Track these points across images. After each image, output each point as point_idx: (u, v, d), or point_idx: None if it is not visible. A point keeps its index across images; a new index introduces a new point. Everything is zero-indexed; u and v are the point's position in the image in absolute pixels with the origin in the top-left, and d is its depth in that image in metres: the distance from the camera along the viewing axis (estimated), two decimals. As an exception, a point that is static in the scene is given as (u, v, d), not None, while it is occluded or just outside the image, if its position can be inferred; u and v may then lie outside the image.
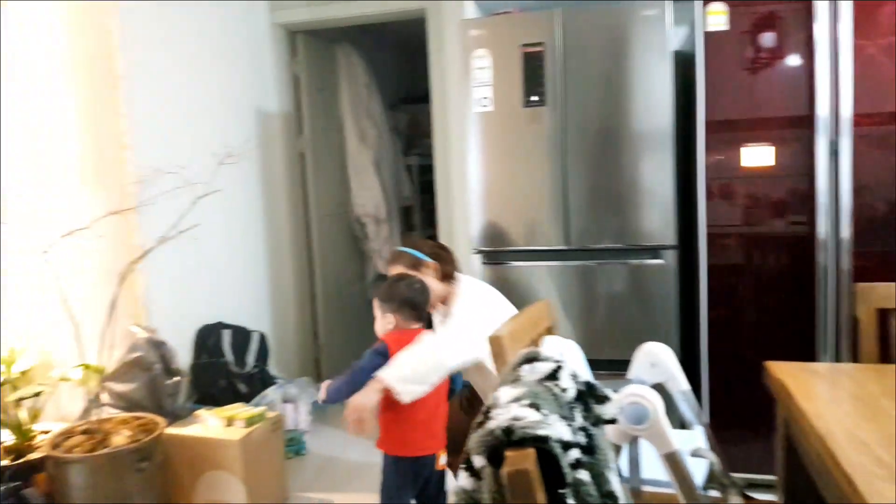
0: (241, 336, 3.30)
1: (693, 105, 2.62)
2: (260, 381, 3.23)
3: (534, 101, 2.73)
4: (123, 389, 2.65)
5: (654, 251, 2.70)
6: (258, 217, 3.72)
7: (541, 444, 0.88)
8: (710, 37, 2.51)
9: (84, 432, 2.42)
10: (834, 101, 2.41)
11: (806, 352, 2.52)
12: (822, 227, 2.46)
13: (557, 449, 0.88)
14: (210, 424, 2.65)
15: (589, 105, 2.70)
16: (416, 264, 2.27)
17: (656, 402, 1.46)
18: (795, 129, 2.48)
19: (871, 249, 2.46)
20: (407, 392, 1.98)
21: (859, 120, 2.40)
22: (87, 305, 2.63)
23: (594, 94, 2.70)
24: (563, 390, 1.10)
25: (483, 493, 0.96)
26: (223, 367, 3.10)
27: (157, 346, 2.72)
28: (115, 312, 2.48)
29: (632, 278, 2.74)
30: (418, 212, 5.12)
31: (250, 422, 2.61)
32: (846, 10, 2.36)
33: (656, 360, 1.77)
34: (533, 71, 2.72)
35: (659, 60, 2.62)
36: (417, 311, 2.14)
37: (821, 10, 2.39)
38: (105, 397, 2.67)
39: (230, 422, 2.62)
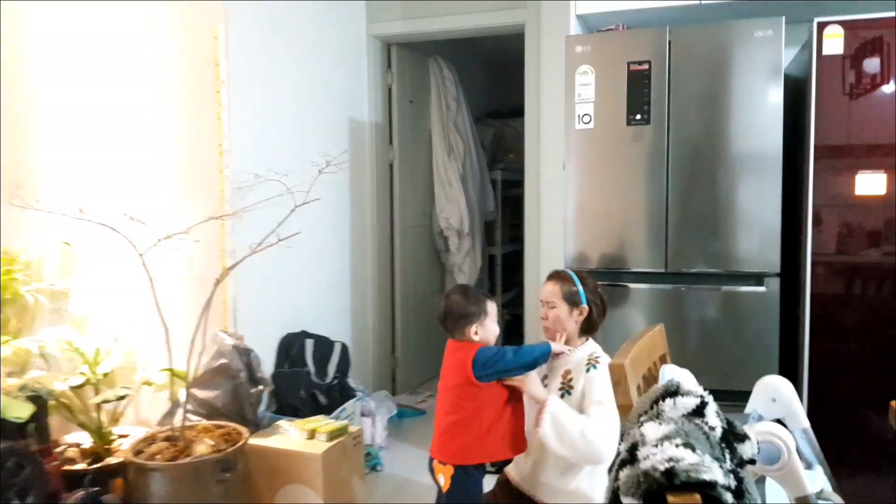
0: (324, 346, 3.27)
1: (800, 129, 2.49)
2: (339, 393, 3.19)
3: (637, 120, 2.62)
4: (207, 396, 2.65)
5: (757, 278, 2.55)
6: (345, 226, 3.71)
7: (707, 490, 0.77)
8: (823, 59, 2.37)
9: (166, 439, 2.42)
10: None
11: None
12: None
13: (726, 496, 0.77)
14: (291, 436, 2.61)
15: (694, 126, 2.58)
16: (574, 301, 2.18)
17: (790, 442, 1.32)
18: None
19: None
20: (545, 430, 1.92)
21: None
22: (175, 310, 2.64)
23: (700, 115, 2.57)
24: (712, 429, 0.98)
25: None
26: (305, 377, 3.07)
27: (244, 353, 2.71)
28: (202, 320, 2.47)
29: (731, 305, 2.60)
30: (500, 227, 5.03)
31: (332, 435, 2.56)
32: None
33: (778, 394, 1.61)
34: (638, 89, 2.61)
35: (770, 82, 2.47)
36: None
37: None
38: (187, 403, 2.66)
39: (312, 434, 2.58)
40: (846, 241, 2.41)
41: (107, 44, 2.90)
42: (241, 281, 2.87)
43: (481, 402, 2.00)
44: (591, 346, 2.16)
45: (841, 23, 2.33)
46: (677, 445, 0.87)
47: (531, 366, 2.01)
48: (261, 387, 2.72)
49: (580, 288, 2.16)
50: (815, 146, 2.40)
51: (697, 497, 0.75)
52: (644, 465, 0.84)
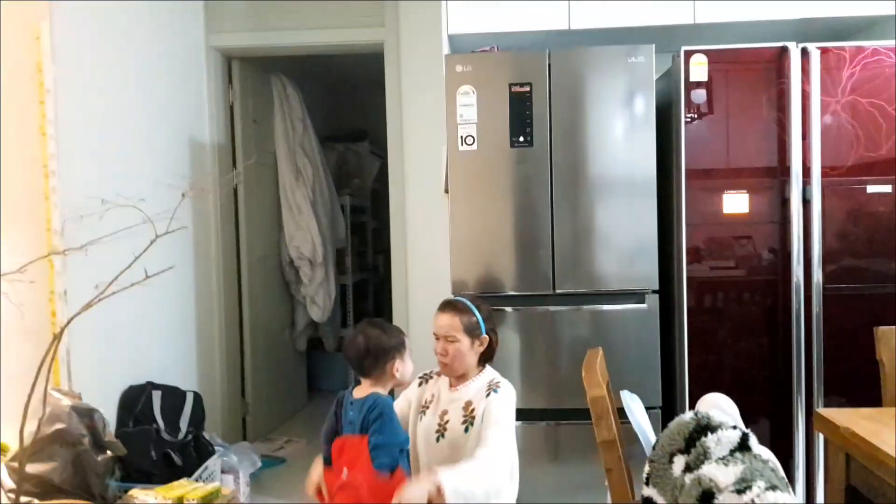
0: (174, 398, 2.86)
1: (666, 152, 2.62)
2: (195, 450, 2.80)
3: (521, 142, 2.60)
4: (40, 470, 2.15)
5: (638, 296, 2.63)
6: (188, 260, 3.29)
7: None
8: (690, 85, 2.52)
9: (-8, 528, 1.93)
10: (804, 153, 2.48)
11: (783, 393, 2.54)
12: (795, 271, 2.50)
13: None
14: (151, 508, 2.20)
15: (575, 148, 2.61)
16: (473, 331, 2.01)
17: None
18: (769, 178, 2.54)
19: (840, 294, 2.54)
20: None
21: (826, 171, 2.50)
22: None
23: (579, 138, 2.61)
24: (765, 461, 0.90)
25: None
26: (154, 436, 2.65)
27: (86, 414, 2.25)
28: (37, 381, 2.00)
29: (615, 323, 2.65)
30: (350, 254, 4.81)
31: (204, 502, 2.20)
32: (815, 68, 2.46)
33: (724, 410, 1.62)
34: (520, 111, 2.59)
35: (645, 106, 2.58)
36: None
37: (793, 67, 2.47)
38: (8, 482, 2.15)
39: (179, 503, 2.19)
40: (716, 257, 2.57)
41: None
42: (76, 329, 2.39)
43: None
44: (489, 374, 2.06)
45: (706, 52, 2.49)
46: (766, 489, 0.77)
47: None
48: (109, 453, 2.28)
49: (479, 317, 2.05)
50: (686, 168, 2.53)
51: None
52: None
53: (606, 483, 1.39)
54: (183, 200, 2.13)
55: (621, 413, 1.61)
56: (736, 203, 2.53)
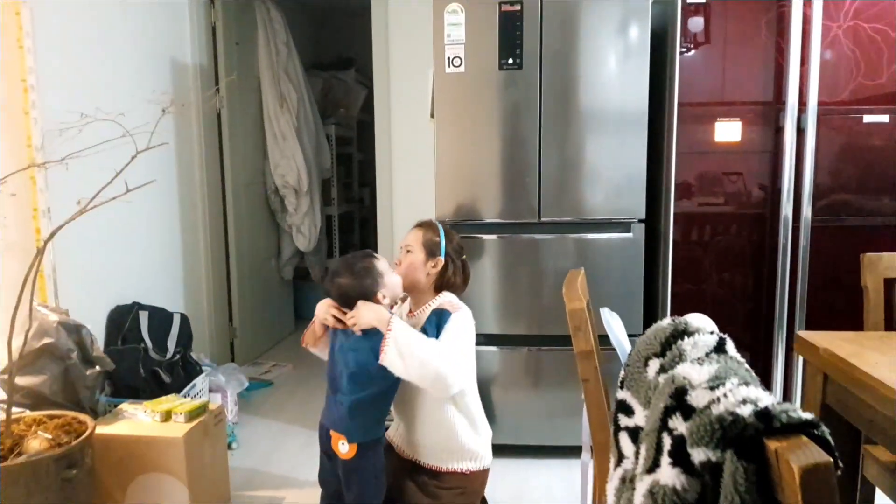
0: (161, 318, 2.88)
1: (659, 79, 2.59)
2: (183, 369, 2.84)
3: (509, 65, 2.56)
4: (30, 382, 2.20)
5: (624, 225, 2.64)
6: (172, 183, 3.26)
7: (811, 430, 0.71)
8: (687, 12, 2.48)
9: (-16, 436, 1.97)
10: (802, 80, 2.44)
11: (765, 325, 2.59)
12: (785, 203, 2.50)
13: (827, 433, 0.72)
14: (140, 420, 2.26)
15: (564, 73, 2.57)
16: (433, 251, 2.04)
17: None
18: (764, 106, 2.51)
19: (829, 226, 2.55)
20: (391, 357, 1.78)
21: (823, 100, 2.47)
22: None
23: (570, 63, 2.56)
24: (741, 363, 0.94)
25: (695, 493, 0.78)
26: (142, 354, 2.68)
27: (73, 330, 2.28)
28: (22, 295, 2.01)
29: (600, 252, 2.66)
30: (336, 185, 4.79)
31: (191, 415, 2.25)
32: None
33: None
34: (510, 32, 2.54)
35: (638, 34, 2.53)
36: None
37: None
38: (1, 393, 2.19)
39: (167, 416, 2.25)
40: (705, 187, 2.57)
41: None
42: (61, 246, 2.40)
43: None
44: (445, 296, 2.09)
45: (703, -27, 2.44)
46: (739, 385, 0.81)
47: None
48: (98, 368, 2.31)
49: (442, 240, 2.08)
50: (679, 98, 2.50)
51: (805, 439, 0.69)
52: (717, 409, 0.77)
53: (583, 397, 1.44)
54: (163, 116, 2.10)
55: (603, 340, 1.64)
56: (728, 131, 2.50)
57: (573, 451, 2.61)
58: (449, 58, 2.57)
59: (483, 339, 2.67)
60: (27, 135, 2.32)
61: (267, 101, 4.00)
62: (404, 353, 1.79)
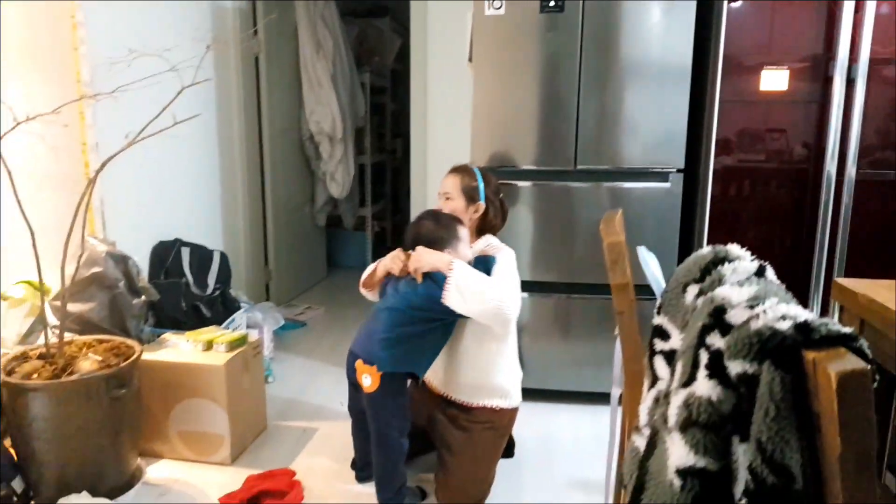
0: (202, 255, 2.97)
1: (705, 25, 2.54)
2: (222, 305, 2.93)
3: (551, 7, 2.53)
4: (80, 309, 2.30)
5: (662, 175, 2.62)
6: (211, 126, 3.32)
7: (850, 343, 0.74)
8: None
9: (40, 357, 2.07)
10: (854, 28, 2.36)
11: (802, 281, 2.57)
12: (829, 158, 2.45)
13: (866, 347, 0.74)
14: (183, 349, 2.35)
15: (607, 18, 2.53)
16: (472, 196, 2.08)
17: None
18: (813, 56, 2.43)
19: (873, 181, 2.49)
20: (453, 295, 1.86)
21: (876, 49, 2.38)
22: (32, 213, 2.22)
23: (613, 8, 2.52)
24: (781, 286, 0.96)
25: (730, 404, 0.82)
26: (184, 289, 2.77)
27: (120, 260, 2.37)
28: (74, 223, 2.09)
29: (637, 201, 2.64)
30: (369, 134, 4.81)
31: (232, 346, 2.35)
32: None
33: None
34: (553, -26, 2.51)
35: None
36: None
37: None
38: (52, 319, 2.29)
39: (209, 346, 2.34)
40: (746, 143, 2.53)
41: None
42: (108, 181, 2.47)
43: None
44: (487, 239, 2.15)
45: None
46: (778, 303, 0.84)
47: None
48: (143, 297, 2.40)
49: (480, 184, 2.13)
50: (725, 46, 2.44)
51: (844, 350, 0.72)
52: (755, 324, 0.79)
53: (616, 332, 1.47)
54: (207, 53, 2.13)
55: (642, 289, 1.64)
56: (775, 80, 2.44)
57: (599, 398, 2.67)
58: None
59: (514, 285, 2.71)
60: (76, 70, 2.37)
61: (303, 46, 4.01)
62: (465, 291, 1.86)
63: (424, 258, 1.93)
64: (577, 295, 2.75)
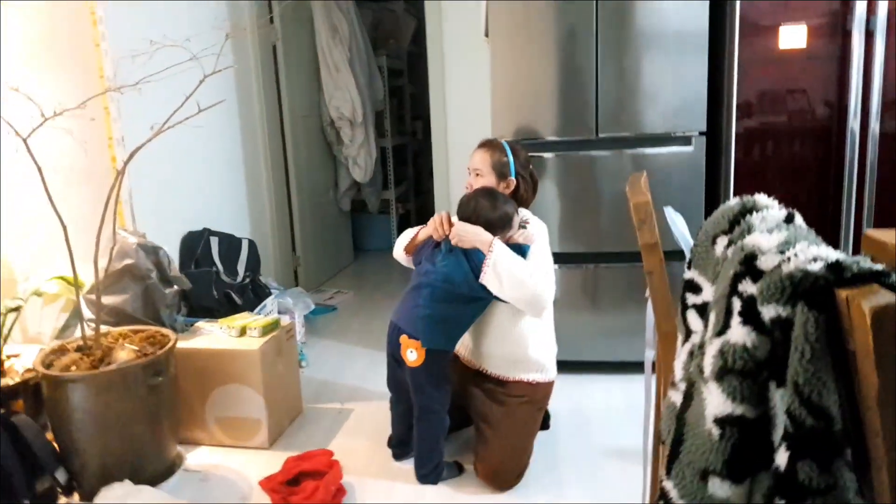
0: (230, 244, 3.00)
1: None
2: (253, 292, 2.97)
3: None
4: (114, 301, 2.34)
5: (685, 139, 2.59)
6: (233, 114, 3.34)
7: (884, 279, 0.72)
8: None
9: (77, 349, 2.12)
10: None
11: (831, 235, 2.52)
12: (852, 114, 2.40)
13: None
14: (217, 336, 2.39)
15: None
16: (503, 172, 2.07)
17: None
18: (831, 9, 2.37)
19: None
20: (490, 277, 1.86)
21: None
22: (62, 207, 2.26)
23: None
24: (811, 231, 0.95)
25: (765, 350, 0.80)
26: (215, 277, 2.80)
27: (151, 251, 2.40)
28: (105, 216, 2.12)
29: (660, 167, 2.61)
30: (389, 117, 4.81)
31: (265, 331, 2.37)
32: None
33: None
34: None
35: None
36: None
37: None
38: (87, 312, 2.34)
39: (242, 332, 2.37)
40: (766, 105, 2.48)
41: None
42: (135, 173, 2.51)
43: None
44: (520, 214, 2.13)
45: None
46: (809, 246, 0.82)
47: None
48: (176, 287, 2.44)
49: (511, 159, 2.10)
50: (741, 3, 2.39)
51: (878, 287, 0.70)
52: (787, 267, 0.78)
53: (647, 294, 1.45)
54: (227, 41, 2.14)
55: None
56: (793, 36, 2.40)
57: (631, 367, 2.65)
58: (503, -28, 2.52)
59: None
60: (99, 66, 2.40)
61: (319, 33, 4.01)
62: (502, 275, 1.86)
63: (468, 234, 1.93)
64: (605, 264, 2.73)
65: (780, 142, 2.51)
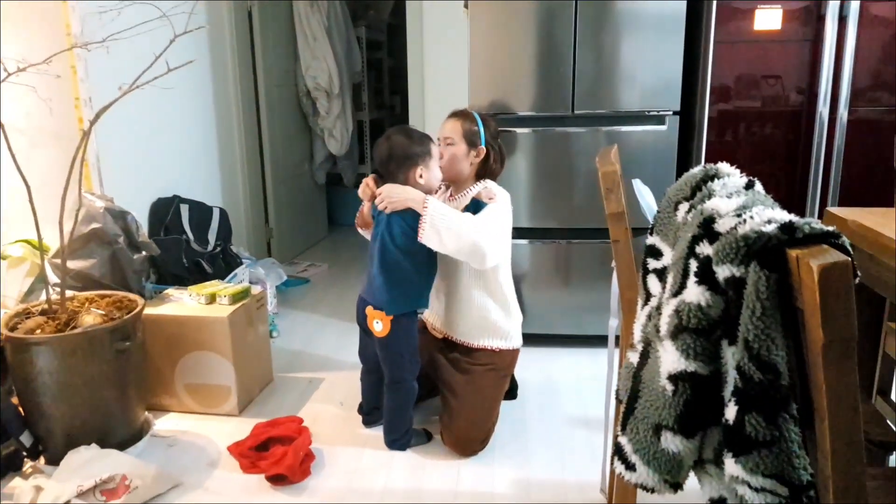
0: (201, 212, 2.97)
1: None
2: (224, 261, 2.95)
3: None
4: (81, 266, 2.31)
5: (658, 118, 2.61)
6: (206, 81, 3.29)
7: (833, 240, 0.74)
8: None
9: (42, 313, 2.09)
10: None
11: (797, 213, 2.56)
12: (822, 97, 2.45)
13: (847, 244, 0.74)
14: (186, 303, 2.37)
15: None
16: (473, 141, 2.06)
17: None
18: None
19: (864, 119, 2.49)
20: (429, 234, 1.85)
21: None
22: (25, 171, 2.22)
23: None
24: (769, 197, 0.97)
25: (719, 309, 0.82)
26: (185, 245, 2.78)
27: (119, 216, 2.37)
28: (70, 179, 2.08)
29: (633, 144, 2.63)
30: (367, 90, 4.76)
31: (235, 298, 2.36)
32: None
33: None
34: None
35: None
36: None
37: None
38: (52, 277, 2.31)
39: (212, 299, 2.36)
40: (741, 89, 2.51)
41: None
42: (103, 136, 2.46)
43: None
44: (485, 183, 2.14)
45: None
46: (765, 209, 0.84)
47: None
48: (144, 253, 2.42)
49: (481, 129, 2.11)
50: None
51: (826, 247, 0.72)
52: (742, 229, 0.79)
53: (612, 264, 1.47)
54: (198, 1, 2.10)
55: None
56: (768, 19, 2.43)
57: (600, 341, 2.68)
58: (482, -58, 2.50)
59: (515, 232, 2.69)
60: (65, 22, 2.34)
61: None
62: (440, 228, 1.84)
63: (396, 195, 1.89)
64: (577, 240, 2.76)
65: (752, 123, 2.55)
